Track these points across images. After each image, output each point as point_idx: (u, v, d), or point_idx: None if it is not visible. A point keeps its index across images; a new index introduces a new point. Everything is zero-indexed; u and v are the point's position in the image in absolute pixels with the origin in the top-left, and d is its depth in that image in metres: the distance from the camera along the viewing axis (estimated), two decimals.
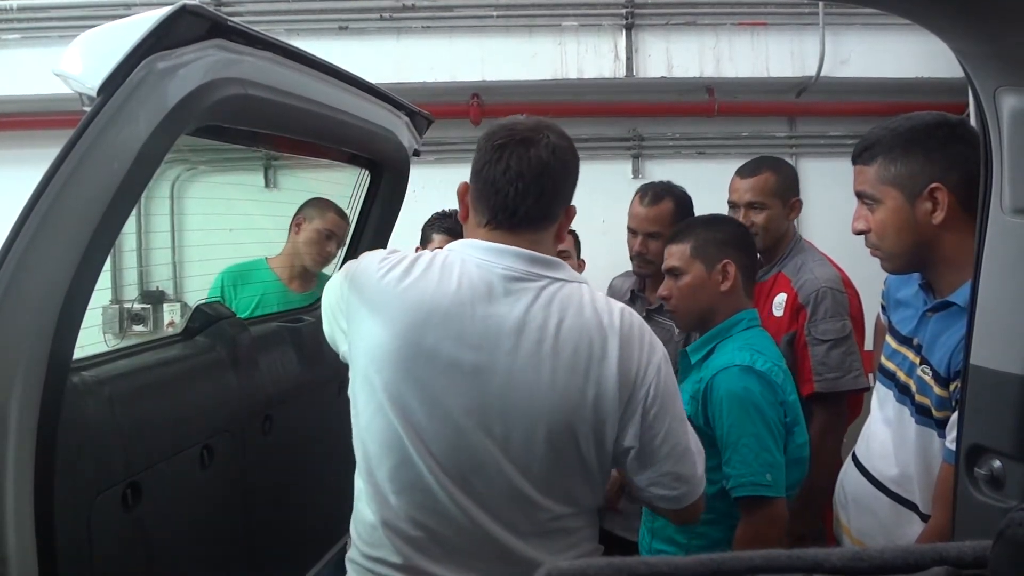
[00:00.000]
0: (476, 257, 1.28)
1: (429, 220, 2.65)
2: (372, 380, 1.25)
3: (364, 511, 1.31)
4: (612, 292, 2.53)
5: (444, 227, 2.53)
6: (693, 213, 2.31)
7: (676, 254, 1.85)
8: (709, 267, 1.80)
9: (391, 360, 1.23)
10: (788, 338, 2.17)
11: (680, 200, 2.33)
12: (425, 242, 2.59)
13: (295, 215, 2.75)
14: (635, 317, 1.32)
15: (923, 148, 1.39)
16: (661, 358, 1.31)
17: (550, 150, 1.29)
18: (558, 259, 1.33)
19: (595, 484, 1.32)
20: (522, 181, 1.28)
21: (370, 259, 1.33)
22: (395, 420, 1.24)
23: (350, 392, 1.32)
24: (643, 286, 2.41)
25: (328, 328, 1.41)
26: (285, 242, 2.79)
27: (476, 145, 1.35)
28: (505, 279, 1.26)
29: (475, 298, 1.24)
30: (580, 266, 2.77)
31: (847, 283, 2.25)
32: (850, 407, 2.24)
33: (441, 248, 1.36)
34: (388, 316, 1.24)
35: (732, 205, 2.33)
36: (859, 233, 1.50)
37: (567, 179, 1.33)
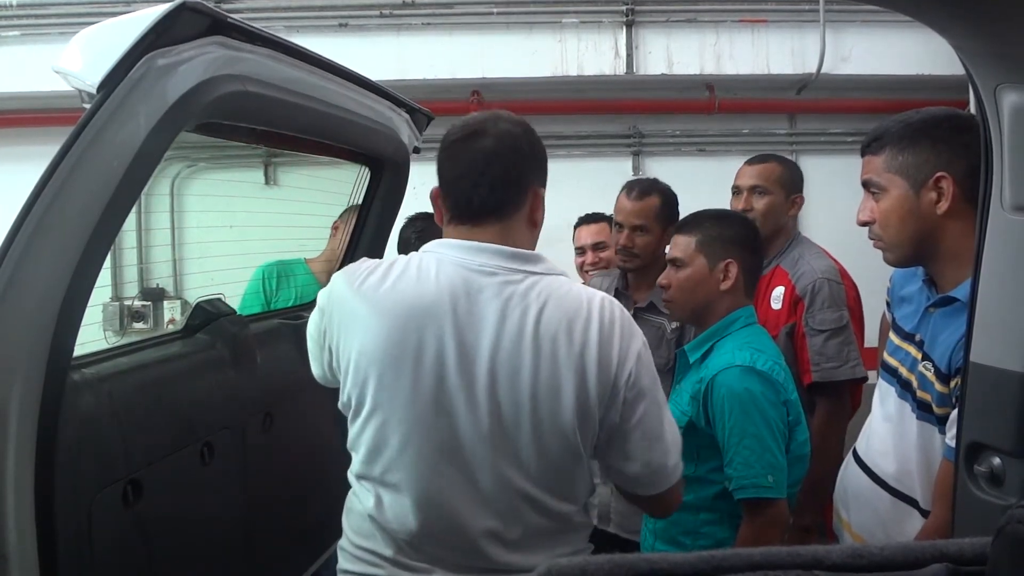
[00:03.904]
0: (451, 255, 1.29)
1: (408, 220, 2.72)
2: (363, 385, 1.26)
3: (356, 504, 1.33)
4: None
5: (417, 229, 2.62)
6: (678, 209, 2.32)
7: (681, 245, 1.83)
8: (712, 264, 1.79)
9: (379, 363, 1.24)
10: (787, 330, 2.18)
11: (666, 196, 2.35)
12: (404, 244, 2.66)
13: (335, 220, 2.77)
14: (615, 305, 1.33)
15: (930, 138, 1.39)
16: (640, 345, 1.32)
17: (496, 139, 1.31)
18: (534, 252, 1.34)
19: (585, 473, 1.33)
20: (471, 173, 1.31)
21: (340, 278, 1.34)
22: (387, 421, 1.25)
23: (342, 404, 1.33)
24: (626, 284, 2.40)
25: (318, 366, 1.41)
26: (315, 242, 2.82)
27: None
28: (482, 275, 1.27)
29: (454, 295, 1.25)
30: None
31: (844, 274, 2.27)
32: (851, 398, 2.25)
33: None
34: (372, 321, 1.25)
35: (736, 191, 2.35)
36: (863, 224, 1.49)
37: (519, 164, 1.33)
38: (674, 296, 1.85)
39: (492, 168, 1.30)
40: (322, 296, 1.37)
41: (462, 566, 1.27)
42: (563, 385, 1.25)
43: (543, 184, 1.38)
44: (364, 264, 1.33)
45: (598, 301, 1.31)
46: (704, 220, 1.86)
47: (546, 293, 1.28)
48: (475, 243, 1.29)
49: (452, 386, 1.23)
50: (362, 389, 1.26)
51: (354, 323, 1.28)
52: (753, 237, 1.88)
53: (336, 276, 1.35)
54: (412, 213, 2.71)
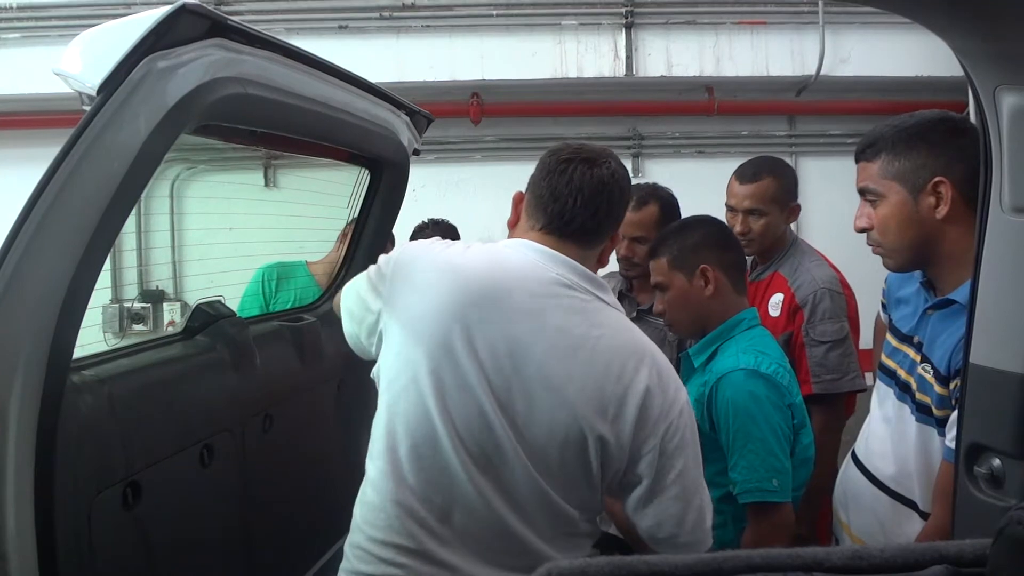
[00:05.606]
0: (533, 256, 1.33)
1: (419, 226, 2.71)
2: (410, 352, 1.28)
3: (373, 495, 1.30)
4: None
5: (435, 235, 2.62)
6: (679, 214, 2.27)
7: (657, 269, 1.84)
8: (689, 276, 1.78)
9: (433, 332, 1.26)
10: (785, 338, 2.15)
11: (665, 203, 2.31)
12: None
13: (345, 226, 2.76)
14: (664, 357, 1.36)
15: (927, 143, 1.39)
16: (685, 401, 1.34)
17: (611, 173, 1.37)
18: (603, 281, 1.39)
19: (596, 494, 1.34)
20: (582, 195, 1.35)
21: (416, 245, 1.39)
22: (426, 393, 1.26)
23: (375, 372, 1.35)
24: (630, 287, 2.40)
25: (354, 324, 1.41)
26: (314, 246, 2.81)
27: (539, 160, 1.42)
28: (557, 284, 1.31)
29: (527, 291, 1.29)
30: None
31: (844, 284, 2.24)
32: (845, 406, 2.24)
33: None
34: (438, 290, 1.29)
35: (730, 210, 2.29)
36: (861, 231, 1.49)
37: (621, 203, 1.40)
38: (671, 319, 1.87)
39: (600, 197, 1.35)
40: (389, 259, 1.39)
41: (481, 556, 1.26)
42: (601, 411, 1.27)
43: (618, 229, 1.46)
44: (441, 242, 1.39)
45: (652, 347, 1.35)
46: (667, 238, 1.86)
47: (610, 322, 1.33)
48: (556, 253, 1.34)
49: (499, 372, 1.25)
50: (409, 357, 1.28)
51: (417, 288, 1.31)
52: (719, 234, 1.87)
53: (411, 244, 1.41)
54: (413, 216, 2.71)
